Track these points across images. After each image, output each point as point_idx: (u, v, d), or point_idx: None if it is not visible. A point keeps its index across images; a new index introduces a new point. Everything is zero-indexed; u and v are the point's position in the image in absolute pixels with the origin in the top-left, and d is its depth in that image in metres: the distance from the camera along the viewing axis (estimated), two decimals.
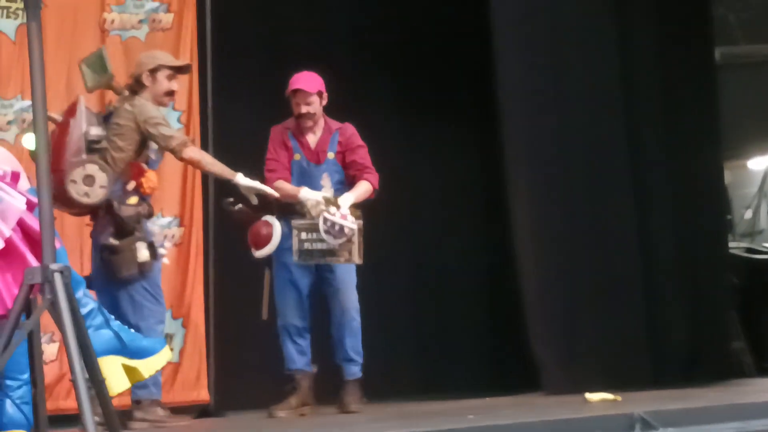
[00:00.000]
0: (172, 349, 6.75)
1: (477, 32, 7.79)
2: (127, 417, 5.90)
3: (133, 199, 6.05)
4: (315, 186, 6.61)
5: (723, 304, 8.42)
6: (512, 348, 8.00)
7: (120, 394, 4.26)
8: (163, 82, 6.24)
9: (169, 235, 7.18)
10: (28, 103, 6.50)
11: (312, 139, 6.74)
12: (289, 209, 6.54)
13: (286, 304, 6.63)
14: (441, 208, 8.66)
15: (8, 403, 4.14)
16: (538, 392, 7.50)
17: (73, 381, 3.35)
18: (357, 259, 6.52)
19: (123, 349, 4.11)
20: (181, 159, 6.19)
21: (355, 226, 6.41)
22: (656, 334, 7.74)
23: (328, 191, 6.60)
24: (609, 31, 8.03)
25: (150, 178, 6.06)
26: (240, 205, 6.40)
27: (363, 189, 6.66)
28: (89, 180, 5.90)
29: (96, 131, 5.99)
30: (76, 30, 6.94)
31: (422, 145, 8.52)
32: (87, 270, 6.51)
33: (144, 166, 6.08)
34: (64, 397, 6.39)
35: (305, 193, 6.50)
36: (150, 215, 6.14)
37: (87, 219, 6.47)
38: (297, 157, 6.71)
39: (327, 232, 6.38)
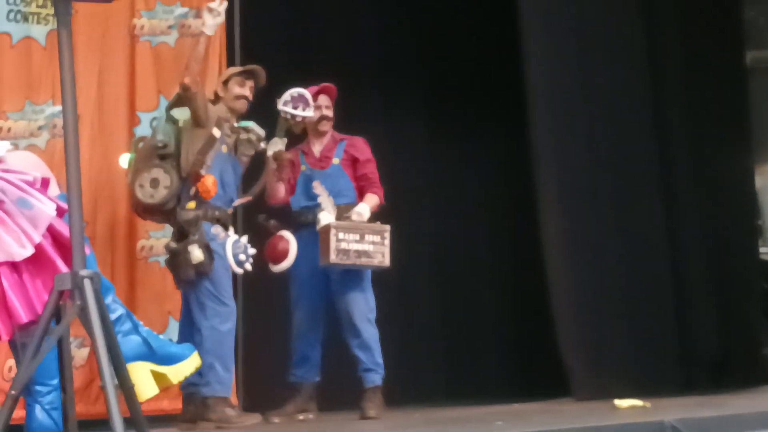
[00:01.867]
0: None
1: (505, 37, 7.77)
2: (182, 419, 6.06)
3: (192, 204, 6.23)
4: (310, 192, 6.68)
5: (753, 310, 8.37)
6: (541, 354, 7.97)
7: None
8: (234, 88, 6.51)
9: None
10: (58, 108, 6.52)
11: (317, 148, 6.83)
12: (302, 221, 6.68)
13: (298, 316, 6.72)
14: (469, 213, 8.64)
15: (38, 408, 4.16)
16: (567, 398, 7.47)
17: (103, 387, 3.36)
18: (388, 261, 6.58)
19: (152, 354, 4.12)
20: None
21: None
22: (686, 340, 7.71)
23: (324, 198, 6.62)
24: (637, 35, 8.00)
25: (205, 183, 6.18)
26: (273, 221, 6.69)
27: (374, 202, 6.75)
28: (154, 182, 6.19)
29: (161, 137, 6.32)
30: (106, 36, 6.96)
31: (450, 151, 8.51)
32: (117, 276, 6.56)
33: (201, 171, 6.22)
34: (93, 402, 6.40)
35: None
36: (211, 218, 6.26)
37: (117, 224, 6.56)
38: (303, 168, 6.80)
39: (285, 104, 6.53)
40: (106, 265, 6.60)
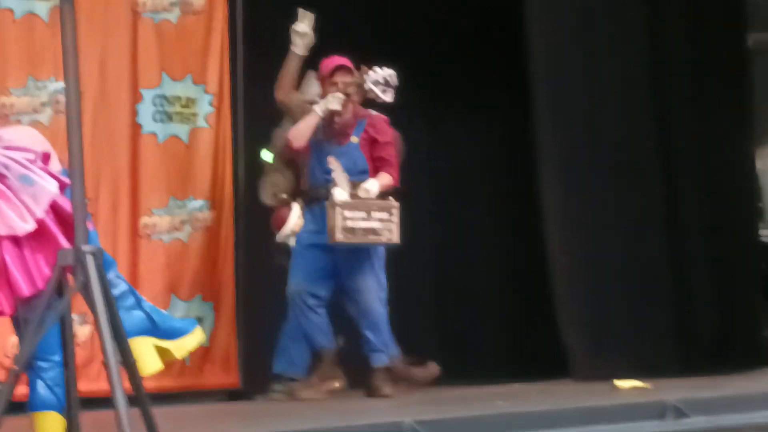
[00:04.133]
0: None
1: (508, 16, 7.76)
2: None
3: None
4: (325, 167, 6.61)
5: (753, 291, 8.38)
6: (541, 335, 7.97)
7: None
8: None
9: (201, 218, 7.20)
10: (61, 84, 6.49)
11: (337, 119, 6.72)
12: (315, 195, 6.60)
13: (306, 269, 6.55)
14: (468, 193, 8.63)
15: (40, 383, 4.16)
16: (567, 379, 7.49)
17: (105, 362, 3.37)
18: (397, 238, 6.55)
19: (155, 329, 4.12)
20: None
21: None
22: (686, 321, 7.72)
23: (339, 174, 6.57)
24: (639, 17, 7.99)
25: None
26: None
27: (386, 181, 6.72)
28: (276, 187, 6.82)
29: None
30: (108, 12, 6.94)
31: (450, 130, 8.48)
32: (120, 254, 6.55)
33: None
34: (95, 378, 6.40)
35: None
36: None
37: (119, 202, 6.59)
38: (320, 136, 6.70)
39: (376, 83, 6.55)
40: (108, 243, 6.59)
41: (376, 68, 6.56)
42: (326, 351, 6.64)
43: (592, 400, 5.11)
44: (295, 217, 6.53)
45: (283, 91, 6.65)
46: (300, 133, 6.52)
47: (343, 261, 6.59)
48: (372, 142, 6.71)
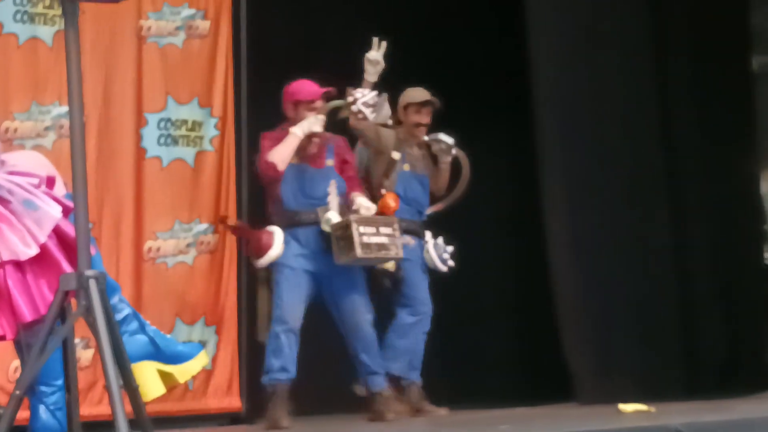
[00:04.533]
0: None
1: (512, 33, 7.77)
2: None
3: None
4: (321, 189, 6.52)
5: (759, 315, 8.36)
6: (545, 358, 7.96)
7: None
8: (412, 116, 7.07)
9: (205, 241, 7.20)
10: (65, 109, 6.52)
11: (310, 146, 6.57)
12: (299, 219, 6.48)
13: (294, 307, 6.42)
14: (472, 214, 8.61)
15: (42, 408, 4.15)
16: (572, 402, 7.47)
17: (107, 387, 3.36)
18: (402, 253, 6.55)
19: (158, 354, 4.11)
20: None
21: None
22: (691, 344, 7.70)
23: (334, 198, 6.54)
24: (645, 39, 8.00)
25: (384, 201, 6.69)
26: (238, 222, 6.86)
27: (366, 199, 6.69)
28: None
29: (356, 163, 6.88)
30: (113, 37, 6.96)
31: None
32: (123, 277, 6.55)
33: (382, 191, 6.82)
34: (97, 403, 6.40)
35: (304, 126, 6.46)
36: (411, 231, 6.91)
37: (123, 226, 6.60)
38: (294, 160, 6.53)
39: (366, 104, 6.50)
40: (111, 267, 6.60)
41: (363, 90, 6.55)
42: (285, 385, 6.43)
43: (596, 423, 5.10)
44: (279, 242, 6.43)
45: (354, 119, 6.62)
46: (283, 156, 6.42)
47: (331, 284, 6.50)
48: (342, 163, 6.67)
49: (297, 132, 6.43)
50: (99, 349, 3.41)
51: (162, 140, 7.11)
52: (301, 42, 8.05)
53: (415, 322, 6.94)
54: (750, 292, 8.24)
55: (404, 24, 8.25)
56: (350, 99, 6.53)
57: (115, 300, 4.07)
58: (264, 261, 6.41)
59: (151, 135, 7.07)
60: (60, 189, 4.21)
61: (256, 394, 7.19)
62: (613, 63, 7.84)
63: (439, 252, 6.97)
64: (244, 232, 6.67)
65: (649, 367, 7.61)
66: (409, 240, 6.86)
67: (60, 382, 3.92)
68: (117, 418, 3.33)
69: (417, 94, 7.09)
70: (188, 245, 7.13)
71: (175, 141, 7.15)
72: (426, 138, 7.07)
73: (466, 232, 8.55)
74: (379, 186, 6.86)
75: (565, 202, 7.60)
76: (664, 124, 7.90)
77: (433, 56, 8.38)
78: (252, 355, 7.25)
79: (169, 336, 4.30)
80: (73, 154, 3.49)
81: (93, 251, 3.67)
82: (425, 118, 7.08)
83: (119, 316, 4.08)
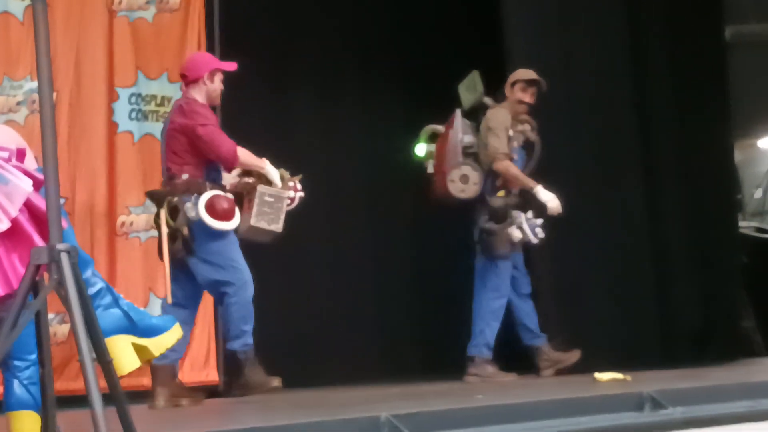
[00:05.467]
0: None
1: (485, 15, 7.77)
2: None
3: (501, 192, 7.28)
4: None
5: (733, 283, 8.41)
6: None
7: None
8: (518, 93, 7.37)
9: None
10: (37, 83, 6.49)
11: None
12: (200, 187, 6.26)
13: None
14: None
15: (16, 383, 4.13)
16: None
17: (80, 361, 3.35)
18: (281, 227, 6.36)
19: (132, 327, 4.09)
20: (494, 168, 7.25)
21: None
22: (666, 313, 7.74)
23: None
24: (618, 10, 8.00)
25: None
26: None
27: None
28: (464, 179, 7.21)
29: (468, 138, 7.33)
30: (84, 11, 6.92)
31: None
32: (97, 252, 6.52)
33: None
34: (73, 378, 6.39)
35: (269, 166, 6.36)
36: (518, 206, 7.26)
37: (96, 200, 6.65)
38: None
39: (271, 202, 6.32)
40: (86, 241, 6.59)
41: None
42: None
43: (570, 392, 5.12)
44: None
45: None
46: (245, 162, 6.27)
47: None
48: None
49: (266, 167, 6.31)
50: (71, 323, 3.40)
51: (133, 115, 7.08)
52: (274, 17, 8.02)
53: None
54: (724, 262, 8.28)
55: (377, 13, 8.24)
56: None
57: (87, 274, 4.05)
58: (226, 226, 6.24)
59: (122, 110, 7.04)
60: (31, 162, 4.18)
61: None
62: (586, 37, 7.85)
63: (531, 225, 7.25)
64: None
65: (625, 337, 7.65)
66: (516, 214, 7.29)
67: (34, 356, 3.91)
68: (90, 392, 3.32)
69: (526, 73, 7.37)
70: None
71: (145, 116, 7.12)
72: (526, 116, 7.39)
73: (441, 208, 8.57)
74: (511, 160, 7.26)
75: (539, 176, 7.63)
76: (637, 94, 7.92)
77: (404, 43, 8.37)
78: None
79: (143, 310, 4.29)
80: (43, 127, 3.47)
81: (65, 225, 3.65)
82: (529, 97, 7.36)
83: (92, 290, 4.05)
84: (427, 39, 8.47)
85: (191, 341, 7.11)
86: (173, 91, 7.15)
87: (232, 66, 6.42)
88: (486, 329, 7.26)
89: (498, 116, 7.30)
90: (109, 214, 6.92)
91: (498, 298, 7.28)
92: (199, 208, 6.10)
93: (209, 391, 7.18)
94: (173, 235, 6.16)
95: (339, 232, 8.30)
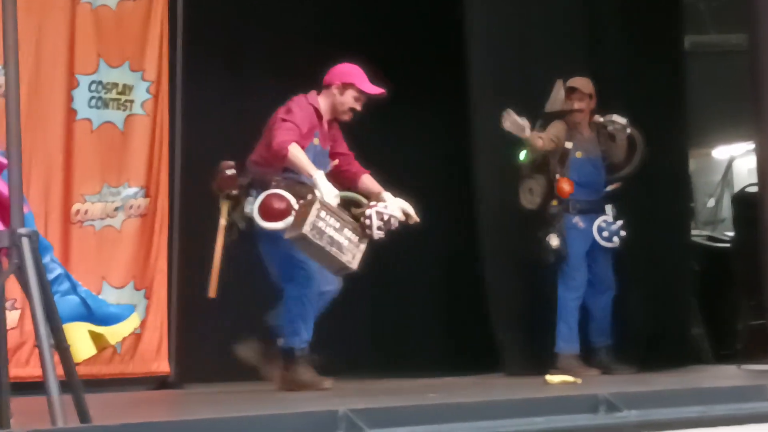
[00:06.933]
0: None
1: (448, 20, 7.81)
2: None
3: (555, 201, 7.57)
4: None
5: (683, 290, 8.47)
6: (473, 329, 8.02)
7: None
8: (567, 102, 7.68)
9: (135, 205, 7.15)
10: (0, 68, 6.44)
11: (324, 125, 6.45)
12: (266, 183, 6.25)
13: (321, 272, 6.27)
14: (405, 185, 8.62)
15: None
16: (500, 373, 7.54)
17: (38, 346, 3.33)
18: (356, 265, 6.17)
19: (90, 315, 4.08)
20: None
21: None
22: (617, 319, 7.78)
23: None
24: (577, 18, 8.05)
25: (559, 186, 7.54)
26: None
27: None
28: (531, 192, 7.58)
29: (530, 156, 7.60)
30: None
31: (392, 132, 8.44)
32: (51, 237, 6.48)
33: (557, 176, 7.55)
34: (23, 364, 6.35)
35: (322, 180, 6.06)
36: (573, 210, 7.58)
37: (52, 187, 6.64)
38: (315, 141, 6.35)
39: (379, 228, 6.20)
40: (40, 228, 6.48)
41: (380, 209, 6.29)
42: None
43: (524, 393, 5.14)
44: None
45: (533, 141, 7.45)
46: (296, 164, 6.11)
47: None
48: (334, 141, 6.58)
49: (316, 175, 6.06)
50: (30, 308, 3.39)
51: (93, 103, 7.04)
52: (238, 6, 7.99)
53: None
54: (675, 268, 8.34)
55: (341, 5, 8.23)
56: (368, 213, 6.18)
57: (47, 259, 4.03)
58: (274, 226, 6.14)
59: (82, 97, 7.00)
60: None
61: (184, 359, 7.19)
62: (544, 43, 7.90)
63: (600, 228, 7.60)
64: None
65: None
66: (579, 221, 7.58)
67: None
68: (48, 377, 3.31)
69: (578, 83, 7.66)
70: (116, 209, 7.08)
71: (105, 104, 7.08)
72: (601, 119, 7.64)
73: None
74: (554, 172, 7.54)
75: (495, 177, 7.72)
76: (596, 101, 7.95)
77: (369, 42, 8.35)
78: (182, 320, 7.23)
79: (100, 298, 4.27)
80: (8, 112, 3.47)
81: (26, 210, 3.63)
82: (576, 103, 7.66)
83: (51, 276, 4.04)
84: (395, 43, 8.46)
85: (142, 331, 7.08)
86: (135, 80, 7.12)
87: (372, 89, 6.32)
88: (562, 326, 7.49)
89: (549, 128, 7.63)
90: (65, 202, 6.88)
91: (574, 299, 7.54)
92: (254, 204, 6.11)
93: (160, 382, 7.17)
94: (230, 228, 6.19)
95: None
